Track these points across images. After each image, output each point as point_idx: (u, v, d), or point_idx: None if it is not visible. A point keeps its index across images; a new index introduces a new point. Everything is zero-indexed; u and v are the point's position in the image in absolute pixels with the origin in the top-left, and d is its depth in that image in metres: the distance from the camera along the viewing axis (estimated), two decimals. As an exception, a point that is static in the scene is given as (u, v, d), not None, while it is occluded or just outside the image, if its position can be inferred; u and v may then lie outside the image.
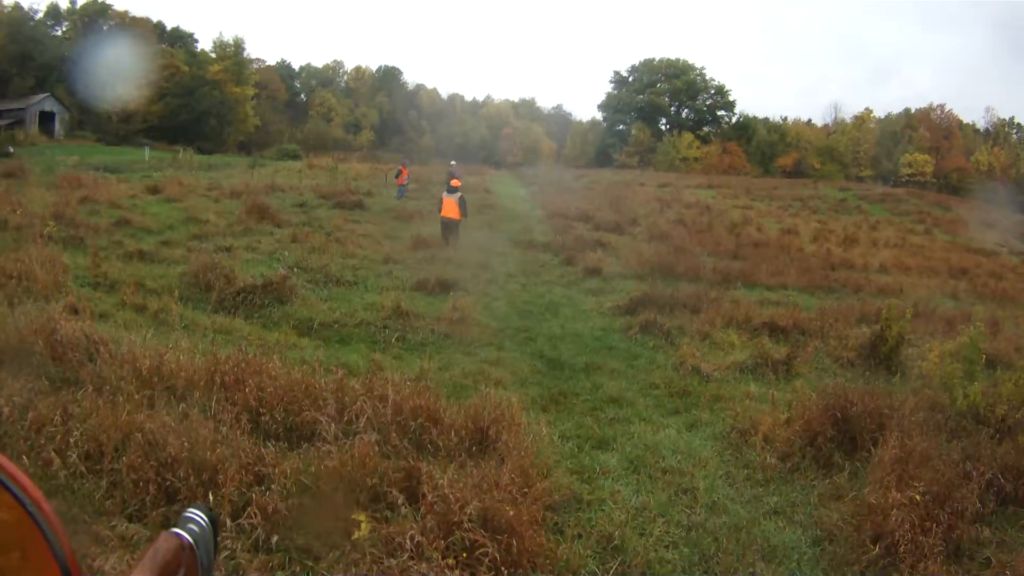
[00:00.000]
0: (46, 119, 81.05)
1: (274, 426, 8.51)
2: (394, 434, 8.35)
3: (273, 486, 7.07)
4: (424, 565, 6.13)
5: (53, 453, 7.28)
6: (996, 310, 23.59)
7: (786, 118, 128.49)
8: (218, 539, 1.64)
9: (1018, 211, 76.34)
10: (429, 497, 7.00)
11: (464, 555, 6.37)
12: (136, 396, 8.50)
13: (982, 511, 8.12)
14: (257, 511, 6.67)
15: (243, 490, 6.94)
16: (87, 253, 18.61)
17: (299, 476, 7.27)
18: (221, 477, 6.98)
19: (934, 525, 7.39)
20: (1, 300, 13.09)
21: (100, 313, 13.58)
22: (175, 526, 1.55)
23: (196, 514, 1.59)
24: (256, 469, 7.29)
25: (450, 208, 25.92)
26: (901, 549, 7.18)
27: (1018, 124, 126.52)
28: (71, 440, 7.43)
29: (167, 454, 7.13)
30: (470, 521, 6.63)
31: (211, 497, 6.77)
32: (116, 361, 9.61)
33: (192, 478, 6.93)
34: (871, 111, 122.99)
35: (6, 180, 33.65)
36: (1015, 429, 10.53)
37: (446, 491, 7.00)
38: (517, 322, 17.32)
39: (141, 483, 6.92)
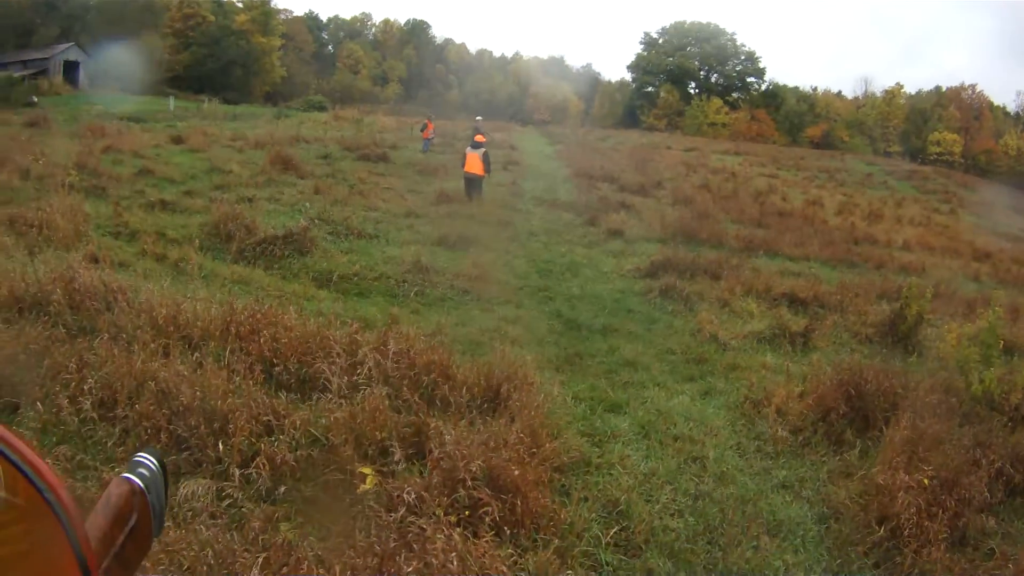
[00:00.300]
0: (70, 69, 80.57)
1: (287, 377, 8.56)
2: (405, 389, 8.38)
3: (282, 437, 7.12)
4: (425, 521, 6.15)
5: (66, 400, 7.36)
6: (1017, 296, 23.50)
7: (816, 88, 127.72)
8: (168, 482, 1.63)
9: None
10: (435, 453, 7.03)
11: (467, 513, 6.39)
12: (152, 345, 8.57)
13: (990, 500, 8.05)
14: (265, 461, 6.72)
15: (252, 440, 6.99)
16: (109, 202, 18.73)
17: (308, 427, 7.33)
18: (232, 427, 7.02)
19: (940, 511, 7.34)
20: (22, 249, 13.21)
21: (120, 262, 13.62)
22: (126, 471, 1.54)
23: (146, 458, 1.58)
24: (266, 420, 7.33)
25: (473, 163, 25.82)
26: (906, 533, 7.15)
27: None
28: (85, 387, 7.53)
29: (179, 403, 7.19)
30: (474, 479, 6.65)
31: (220, 446, 6.83)
32: (133, 310, 9.67)
33: (203, 427, 6.98)
34: (902, 86, 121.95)
35: (29, 129, 33.90)
36: (1030, 419, 10.50)
37: (452, 448, 7.03)
38: (537, 281, 17.33)
39: (152, 431, 6.99)
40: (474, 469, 6.71)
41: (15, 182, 20.31)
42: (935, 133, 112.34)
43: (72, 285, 10.09)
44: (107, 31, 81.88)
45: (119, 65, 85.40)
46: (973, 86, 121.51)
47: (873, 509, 7.61)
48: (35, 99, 52.25)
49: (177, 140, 33.99)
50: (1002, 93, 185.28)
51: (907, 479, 7.67)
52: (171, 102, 62.45)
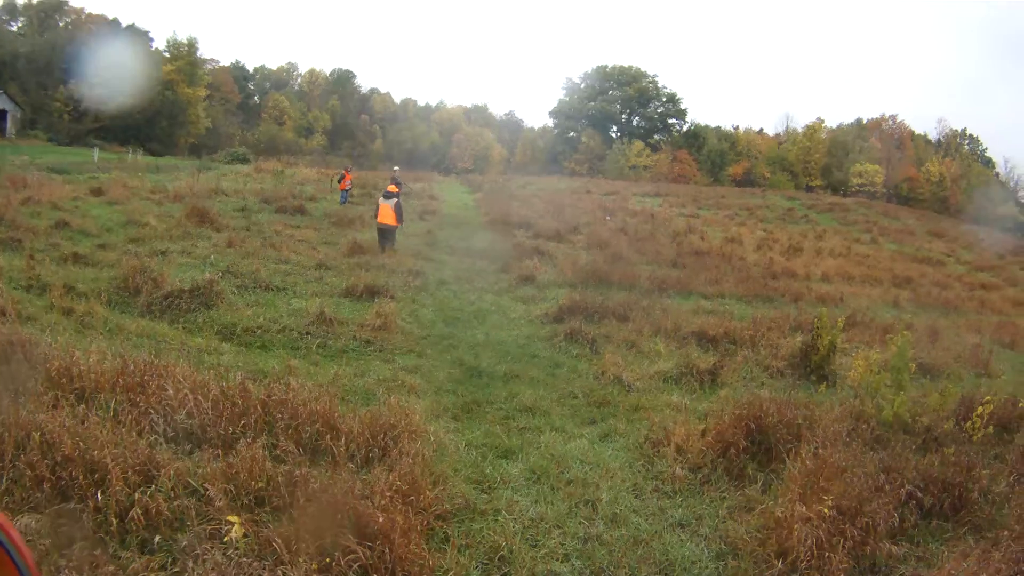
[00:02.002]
0: (-2, 118, 79.94)
1: (170, 429, 8.51)
2: (283, 439, 8.46)
3: (159, 487, 7.13)
4: (288, 568, 6.24)
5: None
6: (938, 319, 23.94)
7: (738, 127, 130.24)
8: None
9: (967, 220, 77.36)
10: (301, 501, 7.12)
11: (327, 560, 6.46)
12: (44, 396, 8.58)
13: (901, 525, 8.15)
14: (140, 511, 6.75)
15: (129, 490, 6.98)
16: (23, 255, 18.64)
17: (186, 478, 7.36)
18: (110, 477, 7.02)
19: (842, 540, 7.40)
20: (-72, 299, 13.18)
21: (28, 316, 13.57)
22: None
23: None
24: (145, 470, 7.34)
25: (386, 214, 25.84)
26: (803, 565, 7.21)
27: (970, 135, 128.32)
28: (-28, 437, 7.47)
29: (62, 453, 7.20)
30: (339, 527, 6.74)
31: (99, 496, 6.86)
32: (28, 362, 9.68)
33: (83, 477, 6.99)
34: (822, 121, 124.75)
35: (-54, 179, 33.48)
36: (942, 440, 10.69)
37: (319, 495, 7.14)
38: (442, 329, 17.32)
39: (35, 480, 6.99)
40: (339, 517, 6.83)
41: (-74, 231, 20.14)
42: (856, 165, 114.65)
43: (-29, 337, 9.99)
44: (36, 80, 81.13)
45: (46, 115, 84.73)
46: (894, 116, 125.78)
47: (772, 543, 7.66)
48: (-42, 145, 51.36)
49: (97, 192, 33.92)
50: (923, 121, 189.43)
51: (805, 510, 7.72)
52: (95, 153, 61.93)
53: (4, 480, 7.11)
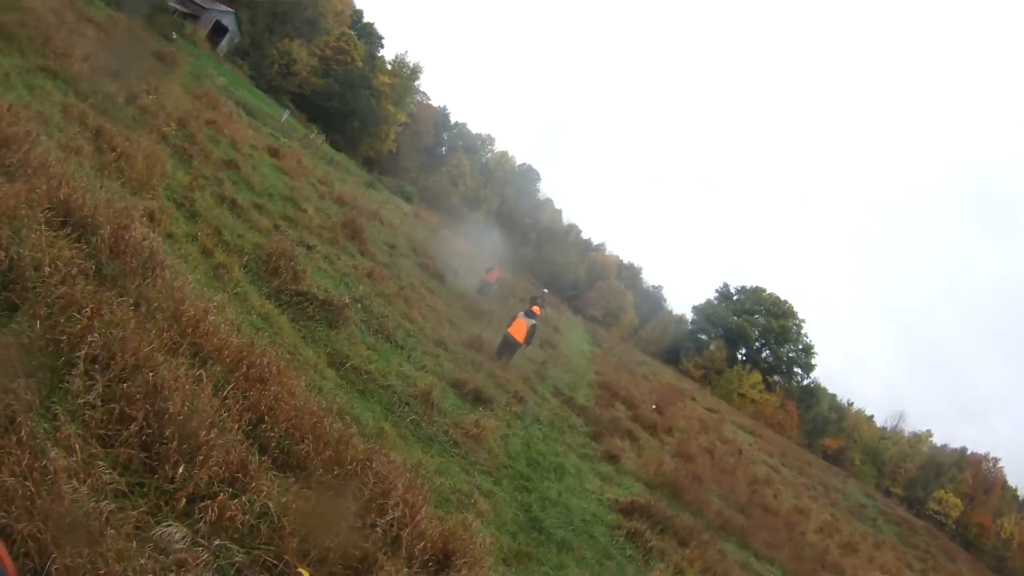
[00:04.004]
0: (218, 30, 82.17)
1: (271, 441, 8.36)
2: (373, 514, 8.17)
3: (243, 496, 6.91)
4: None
5: (64, 337, 7.24)
6: None
7: (851, 404, 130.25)
8: None
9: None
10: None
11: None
12: (166, 335, 8.44)
13: None
14: (216, 508, 6.49)
15: (214, 484, 6.79)
16: (189, 172, 18.78)
17: (267, 500, 7.08)
18: (201, 458, 6.81)
19: None
20: (95, 165, 13.49)
21: (170, 233, 13.61)
22: None
23: None
24: (234, 472, 7.12)
25: (519, 329, 25.69)
26: None
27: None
28: (88, 337, 7.34)
29: (164, 407, 7.00)
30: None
31: (181, 468, 6.63)
32: (165, 292, 9.55)
33: (175, 442, 6.77)
34: (931, 435, 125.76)
35: (156, 61, 33.98)
36: None
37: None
38: (523, 467, 16.92)
39: (126, 416, 6.81)
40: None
41: (120, 100, 20.61)
42: (940, 491, 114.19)
43: (123, 232, 10.02)
44: (267, 22, 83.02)
45: (259, 53, 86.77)
46: (996, 460, 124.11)
47: None
48: (175, 36, 52.39)
49: (273, 152, 34.19)
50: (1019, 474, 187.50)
51: None
52: (285, 114, 63.07)
53: (94, 394, 6.88)
